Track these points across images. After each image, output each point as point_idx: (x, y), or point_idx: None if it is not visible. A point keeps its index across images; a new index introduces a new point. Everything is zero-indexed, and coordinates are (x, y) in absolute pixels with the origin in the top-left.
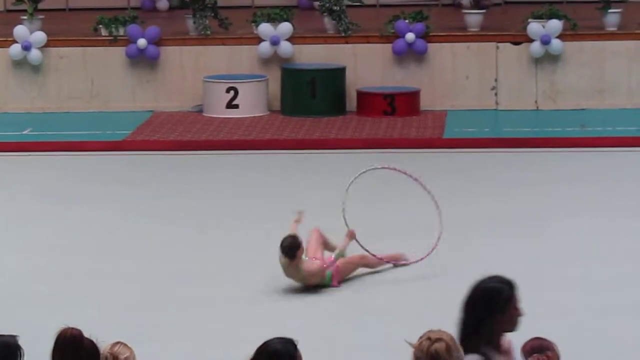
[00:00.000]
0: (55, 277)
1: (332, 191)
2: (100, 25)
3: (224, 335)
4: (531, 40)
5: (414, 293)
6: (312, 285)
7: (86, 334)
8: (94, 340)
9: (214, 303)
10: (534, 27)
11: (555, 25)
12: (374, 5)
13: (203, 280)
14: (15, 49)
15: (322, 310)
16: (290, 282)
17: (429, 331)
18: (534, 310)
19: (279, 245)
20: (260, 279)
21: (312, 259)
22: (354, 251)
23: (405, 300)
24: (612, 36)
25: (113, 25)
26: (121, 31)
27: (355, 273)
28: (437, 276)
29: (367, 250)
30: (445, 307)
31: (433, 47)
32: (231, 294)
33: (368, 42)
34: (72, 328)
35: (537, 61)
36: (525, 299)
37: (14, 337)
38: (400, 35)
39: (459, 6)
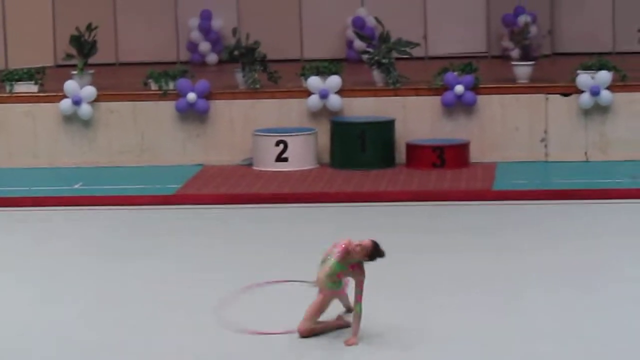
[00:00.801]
0: (105, 329)
1: (381, 244)
2: (150, 80)
3: None
4: (580, 92)
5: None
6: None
7: None
8: None
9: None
10: (583, 79)
11: (605, 76)
12: (422, 58)
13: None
14: (66, 103)
15: None
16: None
17: None
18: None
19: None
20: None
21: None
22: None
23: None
24: None
25: (163, 80)
26: (171, 85)
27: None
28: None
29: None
30: None
31: (482, 99)
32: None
33: (417, 95)
34: None
35: (587, 112)
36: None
37: None
38: (449, 87)
39: (508, 58)
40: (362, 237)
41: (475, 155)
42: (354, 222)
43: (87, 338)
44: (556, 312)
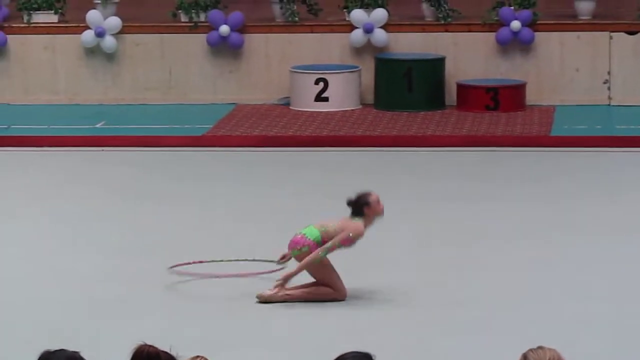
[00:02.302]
0: (128, 282)
1: (424, 191)
2: (180, 10)
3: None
4: None
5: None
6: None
7: (164, 347)
8: (174, 355)
9: (295, 308)
10: None
11: None
12: None
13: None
14: (88, 35)
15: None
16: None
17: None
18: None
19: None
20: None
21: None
22: None
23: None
24: None
25: (193, 11)
26: (202, 17)
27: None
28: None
29: None
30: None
31: (540, 37)
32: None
33: (469, 31)
34: (149, 345)
35: None
36: None
37: (76, 353)
38: (504, 23)
39: None
40: (406, 184)
41: (532, 97)
42: (399, 168)
43: (107, 291)
44: (610, 268)
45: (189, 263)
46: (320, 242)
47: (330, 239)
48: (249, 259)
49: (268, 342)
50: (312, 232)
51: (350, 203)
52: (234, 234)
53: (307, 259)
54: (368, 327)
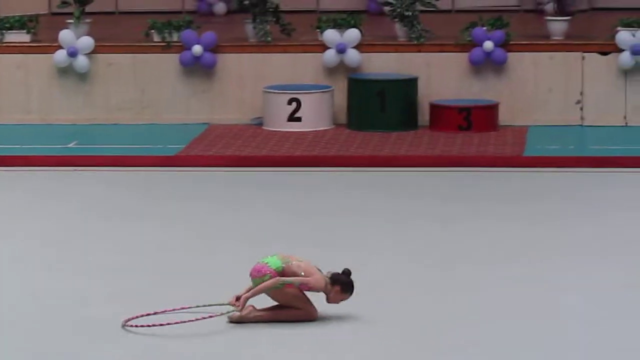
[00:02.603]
0: (104, 301)
1: (398, 212)
2: (153, 30)
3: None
4: (620, 50)
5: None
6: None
7: None
8: None
9: (271, 328)
10: (624, 36)
11: None
12: (449, 11)
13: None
14: (61, 55)
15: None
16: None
17: None
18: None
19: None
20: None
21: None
22: None
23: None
24: None
25: (166, 30)
26: (175, 37)
27: None
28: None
29: None
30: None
31: (513, 57)
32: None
33: (442, 51)
34: None
35: (627, 73)
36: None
37: None
38: (477, 43)
39: (542, 12)
40: (377, 204)
41: (505, 118)
42: (372, 188)
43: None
44: (586, 289)
45: (141, 315)
46: (281, 273)
47: (291, 274)
48: (202, 305)
49: None
50: (274, 262)
51: (344, 273)
52: (206, 253)
53: (267, 283)
54: (346, 346)
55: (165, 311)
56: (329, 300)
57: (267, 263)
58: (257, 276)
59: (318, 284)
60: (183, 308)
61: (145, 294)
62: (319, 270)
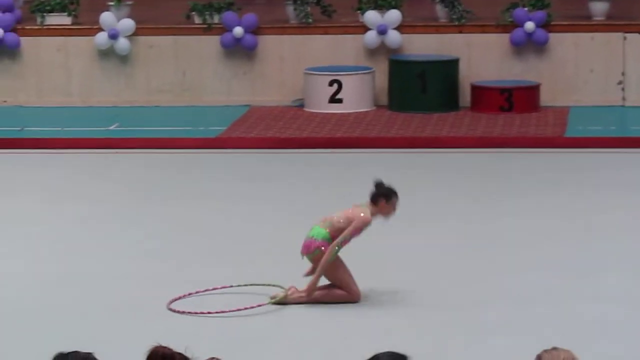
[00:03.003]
0: (143, 284)
1: (442, 192)
2: (194, 12)
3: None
4: None
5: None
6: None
7: (180, 349)
8: (189, 356)
9: (309, 310)
10: None
11: None
12: None
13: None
14: (102, 37)
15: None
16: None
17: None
18: None
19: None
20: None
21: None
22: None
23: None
24: None
25: (207, 12)
26: (216, 19)
27: None
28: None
29: None
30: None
31: (554, 38)
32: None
33: (483, 32)
34: (164, 347)
35: None
36: None
37: (90, 354)
38: (518, 24)
39: None
40: (420, 185)
41: (546, 98)
42: (413, 170)
43: (131, 293)
44: (625, 270)
45: (190, 294)
46: (330, 239)
47: (338, 232)
48: (257, 283)
49: (283, 344)
50: (319, 232)
51: (376, 186)
52: (251, 236)
53: (323, 260)
54: (383, 330)
55: (208, 290)
56: (387, 217)
57: (312, 237)
58: (307, 252)
59: (364, 219)
60: (232, 286)
61: (188, 275)
62: (357, 205)
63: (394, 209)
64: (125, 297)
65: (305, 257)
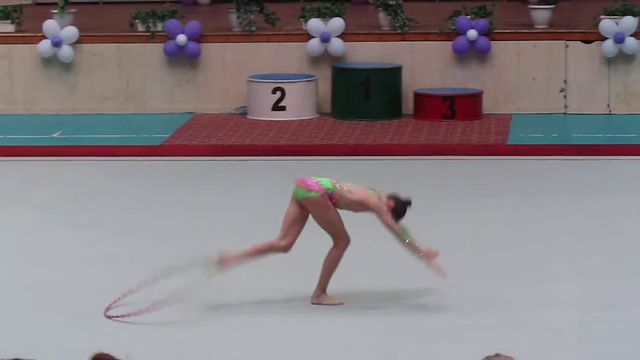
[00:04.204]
0: (89, 290)
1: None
2: (137, 20)
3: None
4: (603, 39)
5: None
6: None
7: (121, 355)
8: None
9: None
10: (607, 24)
11: (630, 22)
12: (432, 0)
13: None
14: (45, 45)
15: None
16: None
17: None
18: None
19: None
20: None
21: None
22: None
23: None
24: None
25: (150, 20)
26: (159, 26)
27: None
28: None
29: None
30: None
31: (497, 45)
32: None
33: (426, 40)
34: (105, 354)
35: (610, 61)
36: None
37: None
38: (461, 32)
39: (526, 1)
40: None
41: (489, 106)
42: (356, 177)
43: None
44: (573, 276)
45: (119, 298)
46: (330, 196)
47: (341, 198)
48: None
49: (225, 352)
50: (327, 183)
51: (403, 204)
52: (194, 242)
53: (396, 232)
54: (307, 338)
55: (126, 294)
56: (378, 215)
57: (320, 181)
58: (304, 187)
59: (381, 204)
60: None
61: (132, 280)
62: (372, 191)
63: (390, 216)
64: (69, 303)
65: (294, 190)
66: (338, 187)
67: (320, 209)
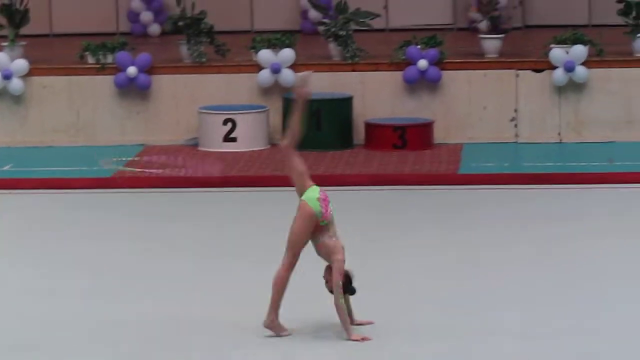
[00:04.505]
0: (35, 323)
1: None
2: (87, 52)
3: None
4: (554, 67)
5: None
6: None
7: None
8: None
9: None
10: (557, 53)
11: (580, 51)
12: (382, 30)
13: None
14: None
15: None
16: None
17: None
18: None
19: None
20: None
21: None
22: None
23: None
24: None
25: (101, 52)
26: (109, 59)
27: None
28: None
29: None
30: None
31: (447, 75)
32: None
33: (377, 70)
34: None
35: (561, 90)
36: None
37: None
38: (411, 62)
39: (476, 30)
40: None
41: (440, 135)
42: None
43: None
44: (520, 304)
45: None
46: (320, 218)
47: (322, 230)
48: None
49: None
50: (323, 213)
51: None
52: (146, 273)
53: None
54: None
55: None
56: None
57: (330, 207)
58: (317, 199)
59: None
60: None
61: (79, 313)
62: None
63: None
64: (16, 337)
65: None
66: (330, 227)
67: (300, 214)
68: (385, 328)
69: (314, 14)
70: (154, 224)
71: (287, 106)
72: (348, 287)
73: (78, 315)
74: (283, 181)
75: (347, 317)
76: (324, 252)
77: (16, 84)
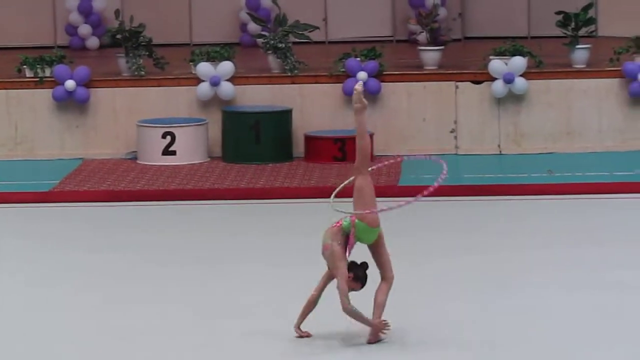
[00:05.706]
0: None
1: (277, 242)
2: (25, 66)
3: None
4: (493, 79)
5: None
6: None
7: None
8: None
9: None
10: (496, 65)
11: (519, 62)
12: (322, 42)
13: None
14: None
15: None
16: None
17: None
18: None
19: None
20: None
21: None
22: None
23: None
24: (580, 74)
25: (39, 66)
26: (47, 72)
27: None
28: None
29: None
30: None
31: (387, 87)
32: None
33: (316, 82)
34: None
35: (500, 101)
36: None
37: None
38: (351, 74)
39: (415, 42)
40: (255, 237)
41: (380, 147)
42: (248, 222)
43: None
44: (466, 317)
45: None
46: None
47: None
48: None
49: None
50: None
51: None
52: (89, 287)
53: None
54: None
55: None
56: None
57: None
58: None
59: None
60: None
61: (15, 329)
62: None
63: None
64: None
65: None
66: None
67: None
68: (334, 339)
69: (253, 26)
70: (91, 239)
71: (227, 119)
72: (360, 277)
73: (19, 330)
74: (222, 194)
75: (363, 315)
76: (328, 254)
77: None
